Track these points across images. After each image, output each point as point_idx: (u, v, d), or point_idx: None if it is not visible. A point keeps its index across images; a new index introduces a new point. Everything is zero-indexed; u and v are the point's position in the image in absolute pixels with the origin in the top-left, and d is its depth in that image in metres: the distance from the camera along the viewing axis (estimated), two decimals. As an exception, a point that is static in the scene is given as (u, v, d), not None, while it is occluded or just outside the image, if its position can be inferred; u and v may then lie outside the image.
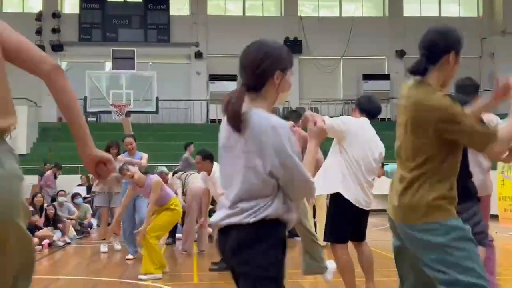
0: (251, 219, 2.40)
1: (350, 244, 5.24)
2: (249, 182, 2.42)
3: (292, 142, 2.42)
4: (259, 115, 2.47)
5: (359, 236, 5.32)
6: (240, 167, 2.44)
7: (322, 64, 25.94)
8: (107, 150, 8.82)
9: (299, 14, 26.63)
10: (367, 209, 5.24)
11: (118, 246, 9.75)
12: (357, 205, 5.11)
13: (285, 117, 6.14)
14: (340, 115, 25.84)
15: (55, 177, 16.06)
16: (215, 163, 8.03)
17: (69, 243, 11.01)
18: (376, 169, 5.33)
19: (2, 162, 2.10)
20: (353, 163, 5.10)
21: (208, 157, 8.20)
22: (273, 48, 2.59)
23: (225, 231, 2.49)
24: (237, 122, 2.46)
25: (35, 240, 9.24)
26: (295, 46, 26.18)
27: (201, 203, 9.62)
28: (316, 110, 25.96)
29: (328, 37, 25.81)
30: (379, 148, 5.36)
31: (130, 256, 8.61)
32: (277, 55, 2.57)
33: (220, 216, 2.50)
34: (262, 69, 2.55)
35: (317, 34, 25.94)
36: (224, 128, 2.59)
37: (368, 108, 5.47)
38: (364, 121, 5.41)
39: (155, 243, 7.11)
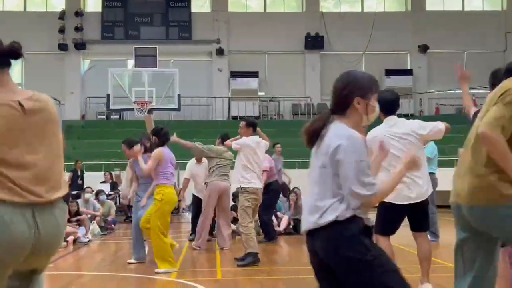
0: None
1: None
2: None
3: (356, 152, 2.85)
4: (335, 128, 2.95)
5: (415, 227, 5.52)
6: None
7: (344, 59, 25.80)
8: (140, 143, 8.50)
9: (320, 10, 26.52)
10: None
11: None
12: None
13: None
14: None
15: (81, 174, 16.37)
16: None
17: (89, 240, 11.08)
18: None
19: (57, 218, 2.63)
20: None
21: (252, 124, 8.23)
22: (355, 77, 3.06)
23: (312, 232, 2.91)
24: (312, 137, 3.04)
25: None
26: (316, 42, 26.11)
27: (221, 200, 9.58)
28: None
29: (349, 33, 25.67)
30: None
31: (132, 260, 8.07)
32: (358, 83, 3.01)
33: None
34: (343, 95, 3.02)
35: (338, 29, 25.81)
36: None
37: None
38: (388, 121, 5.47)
39: (159, 239, 7.08)
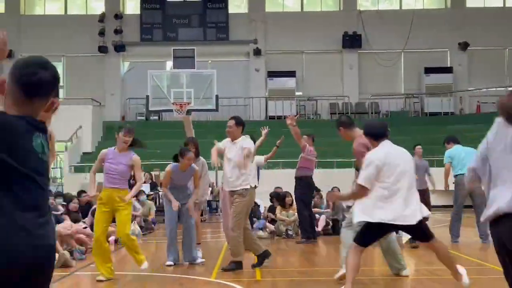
0: None
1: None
2: None
3: None
4: None
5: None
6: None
7: (382, 58, 25.56)
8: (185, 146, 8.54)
9: (358, 8, 26.33)
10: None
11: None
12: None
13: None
14: (401, 110, 25.41)
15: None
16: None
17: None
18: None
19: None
20: None
21: (242, 123, 7.79)
22: None
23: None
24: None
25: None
26: (354, 40, 25.93)
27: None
28: (376, 105, 25.64)
29: (388, 31, 25.41)
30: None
31: (170, 263, 7.93)
32: None
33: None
34: None
35: (376, 28, 25.58)
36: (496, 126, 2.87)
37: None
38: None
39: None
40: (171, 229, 8.00)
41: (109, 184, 6.96)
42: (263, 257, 7.60)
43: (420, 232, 5.67)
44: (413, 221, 5.39)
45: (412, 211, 5.42)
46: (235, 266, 7.42)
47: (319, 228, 11.58)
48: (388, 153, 5.51)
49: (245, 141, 7.68)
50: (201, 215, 14.91)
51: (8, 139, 2.19)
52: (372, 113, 25.26)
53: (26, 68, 2.40)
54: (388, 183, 5.39)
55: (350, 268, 5.46)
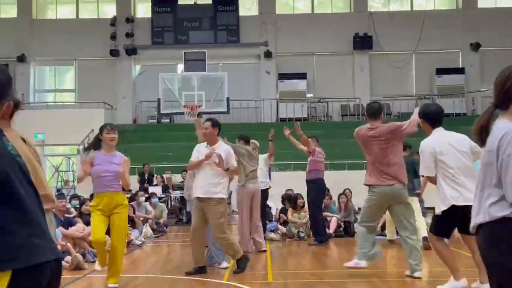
0: None
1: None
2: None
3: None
4: (498, 124, 2.71)
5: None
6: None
7: (393, 59, 25.47)
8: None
9: (368, 10, 26.26)
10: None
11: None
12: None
13: None
14: (413, 111, 25.15)
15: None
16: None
17: (143, 243, 11.27)
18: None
19: None
20: None
21: (218, 124, 7.48)
22: None
23: None
24: (481, 134, 2.78)
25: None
26: (365, 42, 25.86)
27: (252, 202, 9.57)
28: (387, 106, 25.56)
29: (399, 32, 25.33)
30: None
31: (224, 265, 7.87)
32: None
33: None
34: (505, 89, 2.78)
35: (387, 29, 25.50)
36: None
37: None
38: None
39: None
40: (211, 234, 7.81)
41: (104, 188, 6.44)
42: (199, 271, 7.32)
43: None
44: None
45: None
46: (243, 264, 7.32)
47: (331, 230, 11.57)
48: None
49: (223, 148, 7.35)
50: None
51: None
52: (383, 114, 25.14)
53: None
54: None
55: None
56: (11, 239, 2.01)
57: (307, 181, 10.69)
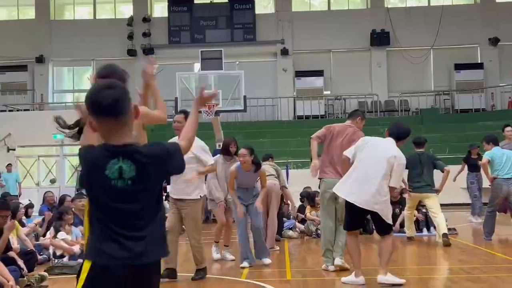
0: None
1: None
2: None
3: None
4: None
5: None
6: None
7: (411, 55, 25.28)
8: (227, 147, 8.52)
9: (385, 6, 26.10)
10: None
11: (230, 256, 8.65)
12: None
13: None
14: (432, 107, 25.41)
15: None
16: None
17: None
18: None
19: None
20: None
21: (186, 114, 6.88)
22: None
23: None
24: None
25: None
26: (382, 38, 25.72)
27: (269, 200, 9.50)
28: (405, 102, 25.39)
29: (416, 28, 25.15)
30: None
31: (245, 265, 7.75)
32: None
33: None
34: None
35: (405, 25, 25.33)
36: None
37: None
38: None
39: None
40: (241, 233, 7.85)
41: None
42: (168, 274, 6.93)
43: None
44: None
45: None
46: (203, 273, 7.02)
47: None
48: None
49: (198, 143, 6.91)
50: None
51: (85, 171, 2.50)
52: (401, 110, 25.02)
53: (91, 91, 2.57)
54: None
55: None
56: None
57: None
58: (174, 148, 2.60)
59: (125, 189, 2.44)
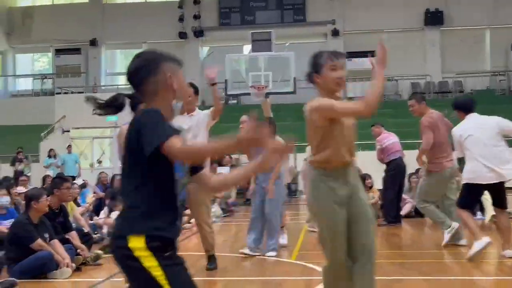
0: None
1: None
2: None
3: None
4: None
5: None
6: None
7: (466, 35, 24.59)
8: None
9: (440, -16, 25.43)
10: None
11: (283, 241, 8.18)
12: None
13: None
14: (487, 88, 24.84)
15: None
16: None
17: (213, 222, 11.40)
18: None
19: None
20: None
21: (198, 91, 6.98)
22: None
23: None
24: None
25: (184, 218, 9.71)
26: (436, 17, 25.10)
27: None
28: (460, 83, 24.77)
29: (472, 6, 24.42)
30: None
31: (271, 254, 7.29)
32: None
33: None
34: None
35: (460, 3, 24.63)
36: None
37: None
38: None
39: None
40: (255, 217, 7.39)
41: None
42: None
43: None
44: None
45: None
46: (215, 262, 6.59)
47: (404, 212, 11.26)
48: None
49: (203, 112, 6.65)
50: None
51: None
52: (455, 92, 24.43)
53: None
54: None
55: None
56: None
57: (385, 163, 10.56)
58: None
59: None
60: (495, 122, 6.98)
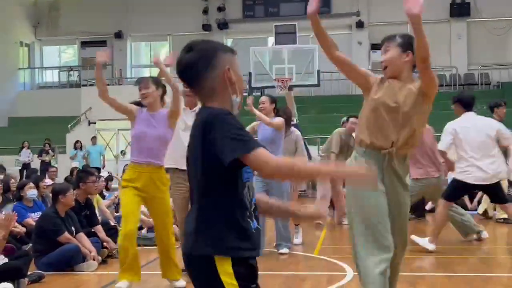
0: None
1: None
2: None
3: None
4: None
5: None
6: None
7: (493, 26, 24.23)
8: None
9: (467, -26, 25.08)
10: None
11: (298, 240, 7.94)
12: None
13: None
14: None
15: None
16: None
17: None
18: None
19: None
20: None
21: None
22: None
23: None
24: None
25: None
26: (462, 8, 24.78)
27: None
28: (486, 76, 24.45)
29: (499, -3, 24.05)
30: None
31: (284, 250, 7.12)
32: None
33: None
34: None
35: (487, -6, 24.27)
36: None
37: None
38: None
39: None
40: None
41: (144, 158, 5.32)
42: None
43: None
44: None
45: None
46: None
47: (428, 206, 11.19)
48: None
49: None
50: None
51: None
52: (482, 84, 24.12)
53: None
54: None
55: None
56: None
57: None
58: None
59: None
60: (492, 126, 6.94)
